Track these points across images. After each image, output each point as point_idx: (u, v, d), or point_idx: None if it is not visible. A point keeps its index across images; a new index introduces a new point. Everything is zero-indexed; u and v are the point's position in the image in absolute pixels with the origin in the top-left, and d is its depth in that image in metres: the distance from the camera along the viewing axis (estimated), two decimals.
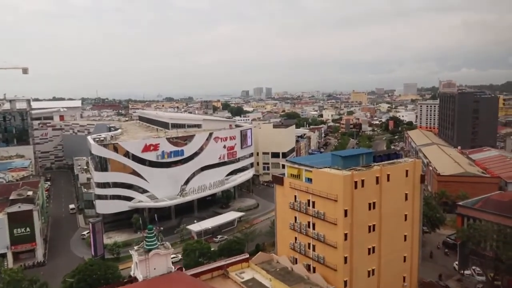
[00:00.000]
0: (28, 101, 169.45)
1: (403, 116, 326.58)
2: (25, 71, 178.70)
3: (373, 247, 58.39)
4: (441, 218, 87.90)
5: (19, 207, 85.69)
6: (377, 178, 57.79)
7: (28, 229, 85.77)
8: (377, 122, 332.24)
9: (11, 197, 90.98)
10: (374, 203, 57.66)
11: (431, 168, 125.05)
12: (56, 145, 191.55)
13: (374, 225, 58.03)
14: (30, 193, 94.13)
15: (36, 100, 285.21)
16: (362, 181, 55.85)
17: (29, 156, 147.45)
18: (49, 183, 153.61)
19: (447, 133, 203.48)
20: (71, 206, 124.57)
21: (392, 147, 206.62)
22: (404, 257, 63.00)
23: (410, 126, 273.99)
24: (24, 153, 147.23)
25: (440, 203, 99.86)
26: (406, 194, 61.87)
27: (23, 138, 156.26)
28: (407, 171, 61.67)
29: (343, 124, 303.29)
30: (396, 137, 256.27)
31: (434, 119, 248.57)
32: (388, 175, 58.86)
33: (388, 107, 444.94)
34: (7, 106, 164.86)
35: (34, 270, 79.43)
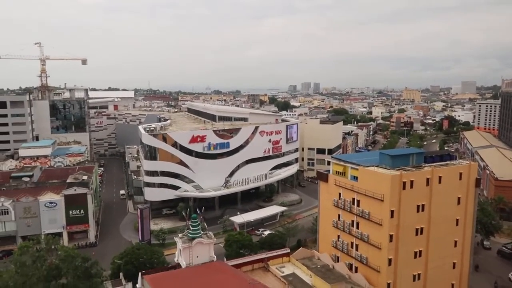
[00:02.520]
0: (86, 90, 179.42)
1: (459, 116, 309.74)
2: (84, 62, 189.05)
3: (420, 251, 56.05)
4: (497, 225, 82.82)
5: (75, 190, 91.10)
6: (427, 179, 55.23)
7: (82, 211, 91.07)
8: (430, 121, 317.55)
9: (68, 180, 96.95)
10: (423, 205, 55.24)
11: (488, 172, 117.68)
12: (110, 133, 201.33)
13: (422, 228, 55.63)
14: (85, 177, 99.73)
15: (93, 90, 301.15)
16: (411, 181, 53.60)
17: (85, 142, 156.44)
18: (102, 169, 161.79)
19: (509, 135, 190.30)
20: (122, 192, 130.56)
21: (446, 148, 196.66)
22: (454, 263, 59.96)
23: (467, 126, 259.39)
24: (81, 139, 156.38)
25: (496, 209, 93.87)
26: (458, 198, 58.70)
27: (80, 125, 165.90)
28: (461, 173, 58.43)
29: (393, 122, 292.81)
30: (450, 137, 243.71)
31: (494, 120, 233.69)
32: (440, 177, 56.07)
33: (443, 105, 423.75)
34: (67, 94, 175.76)
35: (86, 249, 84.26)
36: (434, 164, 58.75)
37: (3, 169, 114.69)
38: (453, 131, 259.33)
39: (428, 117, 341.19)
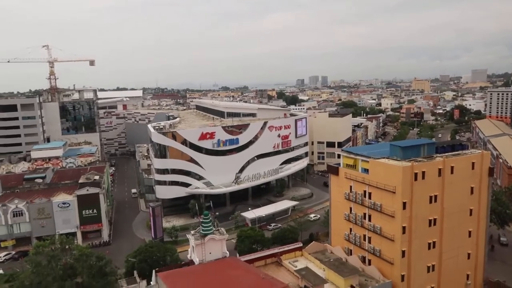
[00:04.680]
0: (95, 91, 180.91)
1: (470, 105, 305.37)
2: (91, 63, 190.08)
3: (434, 242, 55.53)
4: None
5: (87, 190, 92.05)
6: (439, 170, 54.58)
7: (95, 211, 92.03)
8: (440, 111, 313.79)
9: (80, 181, 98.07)
10: (435, 196, 54.64)
11: (501, 160, 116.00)
12: (120, 133, 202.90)
13: (435, 219, 55.07)
14: (96, 177, 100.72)
15: (102, 90, 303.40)
16: (423, 172, 53.04)
17: (96, 142, 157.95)
18: (113, 168, 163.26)
19: None
20: (133, 190, 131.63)
21: (457, 137, 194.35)
22: (468, 254, 59.29)
23: (478, 115, 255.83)
24: (91, 140, 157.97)
25: (511, 199, 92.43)
26: (472, 188, 57.92)
27: (90, 126, 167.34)
28: (473, 163, 57.61)
29: (403, 113, 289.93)
30: (462, 127, 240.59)
31: (506, 108, 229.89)
32: (452, 167, 55.35)
33: (454, 95, 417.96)
34: (76, 96, 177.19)
35: (100, 248, 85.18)
36: (446, 154, 57.99)
37: (16, 171, 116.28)
38: (464, 121, 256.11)
39: (439, 107, 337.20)
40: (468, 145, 64.83)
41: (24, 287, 55.38)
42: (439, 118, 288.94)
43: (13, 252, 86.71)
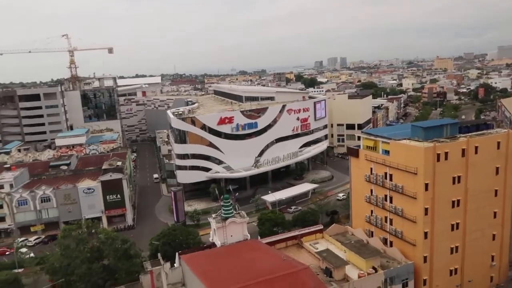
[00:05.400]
0: (114, 78, 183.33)
1: (496, 83, 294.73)
2: (110, 50, 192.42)
3: (457, 223, 54.73)
4: None
5: (111, 176, 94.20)
6: (463, 150, 53.36)
7: (118, 196, 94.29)
8: (464, 90, 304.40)
9: (103, 167, 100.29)
10: (459, 177, 53.58)
11: None
12: (140, 119, 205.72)
13: (458, 200, 54.15)
14: (119, 163, 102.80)
15: (121, 77, 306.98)
16: (446, 153, 51.96)
17: (117, 129, 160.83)
18: (135, 154, 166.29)
19: None
20: (155, 175, 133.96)
21: (482, 117, 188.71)
22: (493, 235, 58.26)
23: (505, 93, 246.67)
24: (112, 127, 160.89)
25: None
26: (497, 168, 56.52)
27: (111, 113, 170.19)
28: (498, 143, 56.06)
29: (425, 93, 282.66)
30: (487, 106, 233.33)
31: None
32: (476, 147, 54.03)
33: (478, 73, 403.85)
34: (96, 84, 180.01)
35: (125, 232, 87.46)
36: (470, 134, 56.59)
37: (42, 158, 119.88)
38: (489, 99, 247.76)
39: (462, 86, 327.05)
40: (493, 124, 62.96)
41: (54, 269, 57.64)
42: (462, 98, 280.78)
43: (43, 236, 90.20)
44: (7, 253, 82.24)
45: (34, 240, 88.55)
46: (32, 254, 79.95)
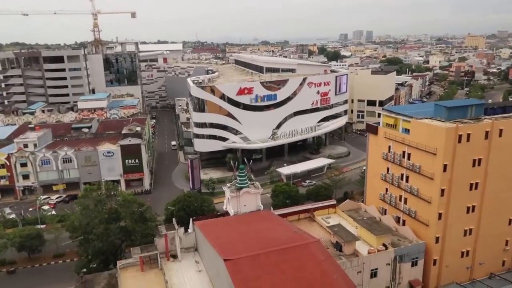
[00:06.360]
0: (136, 44, 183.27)
1: None
2: (133, 15, 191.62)
3: (473, 206, 53.96)
4: None
5: (130, 140, 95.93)
6: (486, 132, 51.81)
7: (137, 161, 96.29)
8: (494, 70, 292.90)
9: (123, 132, 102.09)
10: (480, 159, 52.34)
11: None
12: (160, 86, 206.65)
13: (477, 183, 53.12)
14: (138, 129, 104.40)
15: (143, 43, 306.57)
16: (468, 135, 50.57)
17: (138, 95, 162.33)
18: (154, 120, 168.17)
19: None
20: (173, 143, 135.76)
21: (510, 99, 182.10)
22: (510, 219, 57.28)
23: None
24: (133, 92, 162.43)
25: None
26: None
27: (132, 78, 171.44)
28: None
29: (452, 71, 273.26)
30: None
31: None
32: (501, 130, 52.35)
33: (511, 53, 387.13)
34: (118, 49, 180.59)
35: (142, 196, 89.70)
36: (496, 116, 54.72)
37: (65, 120, 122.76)
38: None
39: (493, 65, 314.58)
40: None
41: (74, 227, 59.98)
42: (491, 78, 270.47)
43: (64, 196, 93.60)
44: (30, 209, 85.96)
45: (56, 198, 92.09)
46: (54, 212, 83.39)
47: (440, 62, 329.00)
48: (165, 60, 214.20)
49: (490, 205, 54.66)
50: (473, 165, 52.33)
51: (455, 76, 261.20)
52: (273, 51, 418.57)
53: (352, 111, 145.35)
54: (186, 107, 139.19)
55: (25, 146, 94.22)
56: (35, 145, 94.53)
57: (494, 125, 52.10)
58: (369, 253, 50.40)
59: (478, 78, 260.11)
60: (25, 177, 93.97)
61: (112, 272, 48.65)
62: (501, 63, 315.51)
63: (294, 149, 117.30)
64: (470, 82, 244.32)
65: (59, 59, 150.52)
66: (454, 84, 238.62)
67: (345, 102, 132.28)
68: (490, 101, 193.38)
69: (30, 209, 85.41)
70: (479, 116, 54.44)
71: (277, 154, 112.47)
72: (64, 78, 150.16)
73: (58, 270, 64.71)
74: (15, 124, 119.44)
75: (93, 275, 49.54)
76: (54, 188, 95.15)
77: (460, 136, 50.25)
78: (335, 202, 64.75)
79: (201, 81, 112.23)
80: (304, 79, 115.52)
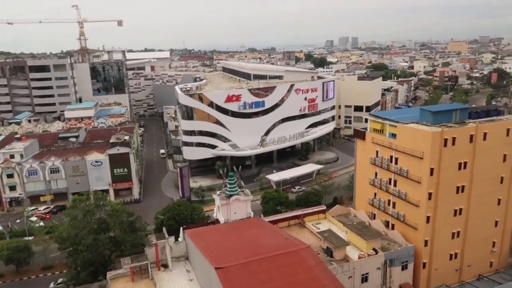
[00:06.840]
0: (123, 52, 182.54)
1: (510, 68, 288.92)
2: (120, 23, 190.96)
3: (460, 209, 54.92)
4: None
5: (118, 149, 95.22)
6: (471, 136, 52.97)
7: (125, 170, 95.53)
8: (477, 74, 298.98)
9: (111, 140, 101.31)
10: (465, 163, 53.40)
11: None
12: (148, 94, 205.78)
13: (463, 186, 54.15)
14: (126, 137, 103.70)
15: (130, 51, 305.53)
16: (453, 138, 51.65)
17: (125, 103, 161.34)
18: (142, 129, 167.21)
19: None
20: (162, 151, 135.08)
21: (493, 103, 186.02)
22: (496, 221, 58.44)
23: None
24: (121, 101, 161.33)
25: None
26: (504, 155, 56.10)
27: (119, 87, 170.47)
28: (508, 129, 55.48)
29: (436, 76, 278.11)
30: (499, 92, 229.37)
31: None
32: (485, 134, 53.57)
33: (493, 57, 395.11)
34: (105, 57, 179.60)
35: (131, 205, 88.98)
36: (479, 120, 56.03)
37: (51, 130, 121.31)
38: (502, 85, 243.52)
39: (475, 70, 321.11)
40: (504, 111, 62.16)
41: (62, 238, 59.17)
42: (475, 82, 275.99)
43: (52, 206, 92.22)
44: (17, 221, 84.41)
45: (43, 209, 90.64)
46: (41, 223, 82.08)
47: (424, 67, 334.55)
48: (152, 68, 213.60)
49: (476, 207, 55.69)
50: (459, 169, 53.36)
51: (439, 81, 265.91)
52: (260, 58, 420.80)
53: (339, 117, 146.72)
54: (174, 115, 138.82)
55: (12, 156, 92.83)
56: (21, 156, 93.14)
57: (479, 129, 53.28)
58: (359, 258, 50.81)
59: (462, 83, 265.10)
60: (12, 188, 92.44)
61: (102, 284, 48.19)
62: (484, 68, 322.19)
63: (283, 155, 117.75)
64: (454, 87, 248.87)
65: (45, 68, 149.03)
66: (438, 88, 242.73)
67: (333, 108, 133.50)
68: (473, 105, 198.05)
69: (18, 220, 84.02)
70: (463, 120, 55.67)
71: (266, 160, 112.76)
72: (51, 87, 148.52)
73: (47, 282, 63.55)
74: (0, 135, 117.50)
75: (83, 286, 48.95)
76: (42, 199, 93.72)
77: (445, 140, 51.25)
78: (324, 208, 65.13)
79: (189, 88, 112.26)
80: (292, 86, 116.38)
